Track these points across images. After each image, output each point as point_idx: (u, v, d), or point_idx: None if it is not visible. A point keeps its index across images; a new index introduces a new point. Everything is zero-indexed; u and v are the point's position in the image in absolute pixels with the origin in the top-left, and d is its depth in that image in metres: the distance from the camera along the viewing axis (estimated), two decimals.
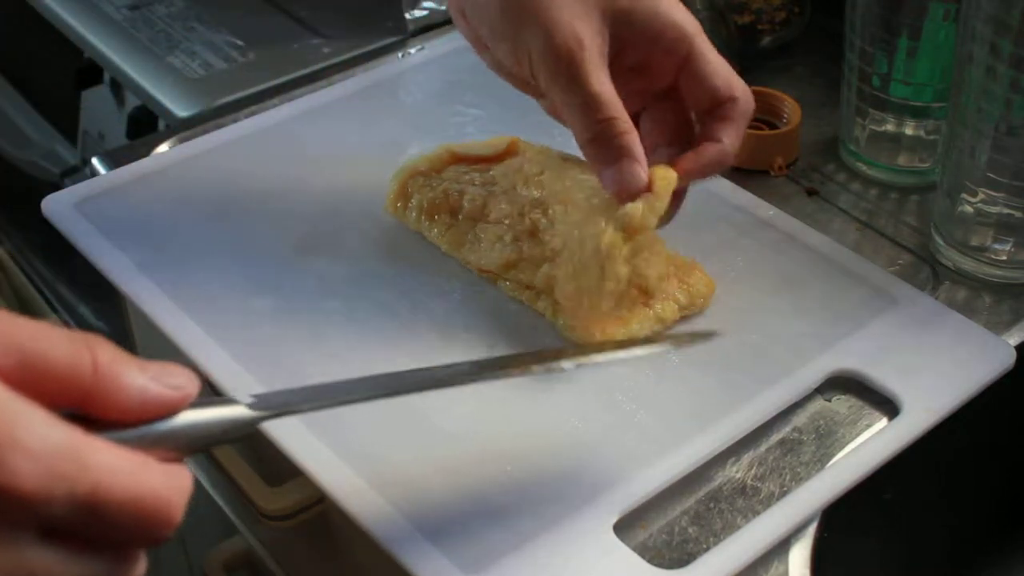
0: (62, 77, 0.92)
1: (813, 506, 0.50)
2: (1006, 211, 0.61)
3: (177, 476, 0.34)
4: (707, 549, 0.49)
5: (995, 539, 0.69)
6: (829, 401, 0.56)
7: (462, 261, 0.60)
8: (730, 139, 0.54)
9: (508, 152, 0.65)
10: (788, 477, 0.52)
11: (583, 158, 0.55)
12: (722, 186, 0.67)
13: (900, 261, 0.64)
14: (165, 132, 0.74)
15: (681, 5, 0.55)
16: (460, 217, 0.60)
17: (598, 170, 0.53)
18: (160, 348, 0.61)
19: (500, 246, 0.59)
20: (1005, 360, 0.56)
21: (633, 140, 0.52)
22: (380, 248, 0.62)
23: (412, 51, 0.80)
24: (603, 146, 0.52)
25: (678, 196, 0.56)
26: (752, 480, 0.52)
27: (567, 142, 0.70)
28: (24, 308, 1.05)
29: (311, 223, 0.64)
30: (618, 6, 0.53)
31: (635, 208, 0.52)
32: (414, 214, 0.61)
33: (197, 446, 0.36)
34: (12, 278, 1.05)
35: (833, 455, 0.53)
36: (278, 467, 0.58)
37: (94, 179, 0.67)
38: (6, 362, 0.32)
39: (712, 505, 0.51)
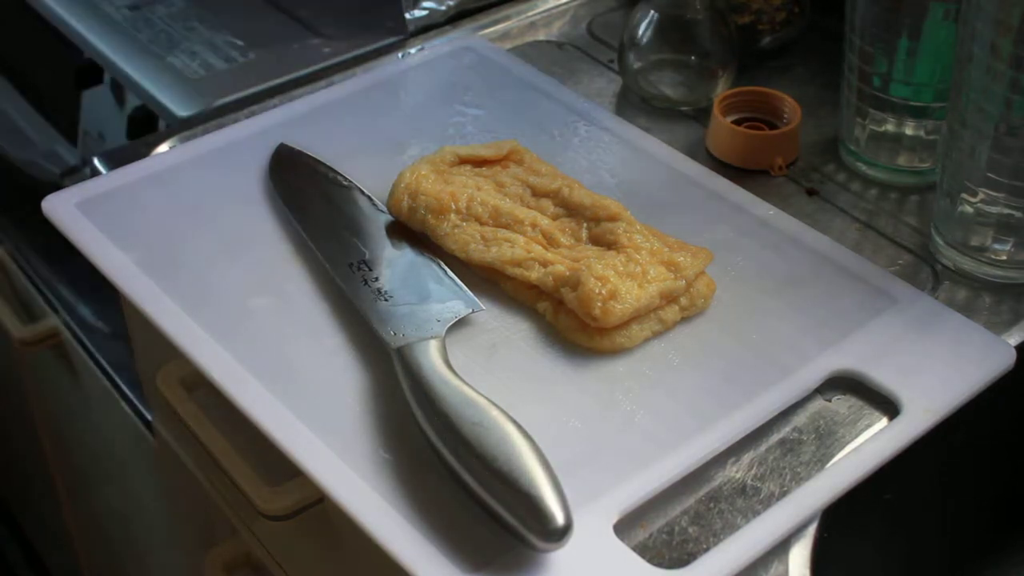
0: (62, 77, 0.92)
1: (813, 506, 0.50)
2: (1006, 211, 0.61)
3: None
4: (707, 549, 0.49)
5: (995, 539, 0.69)
6: (829, 401, 0.56)
7: (467, 261, 0.60)
8: None
9: (510, 157, 0.65)
10: (788, 477, 0.52)
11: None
12: (722, 186, 0.67)
13: (900, 261, 0.64)
14: (165, 132, 0.74)
15: None
16: (468, 218, 0.60)
17: None
18: (160, 348, 0.61)
19: (507, 247, 0.59)
20: (1005, 360, 0.56)
21: None
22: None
23: (412, 51, 0.80)
24: None
25: None
26: (752, 480, 0.52)
27: (567, 142, 0.71)
28: (24, 308, 1.05)
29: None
30: None
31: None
32: (421, 213, 0.61)
33: None
34: (12, 278, 1.04)
35: (833, 455, 0.53)
36: (278, 467, 0.58)
37: (94, 179, 0.67)
38: None
39: (712, 505, 0.51)
